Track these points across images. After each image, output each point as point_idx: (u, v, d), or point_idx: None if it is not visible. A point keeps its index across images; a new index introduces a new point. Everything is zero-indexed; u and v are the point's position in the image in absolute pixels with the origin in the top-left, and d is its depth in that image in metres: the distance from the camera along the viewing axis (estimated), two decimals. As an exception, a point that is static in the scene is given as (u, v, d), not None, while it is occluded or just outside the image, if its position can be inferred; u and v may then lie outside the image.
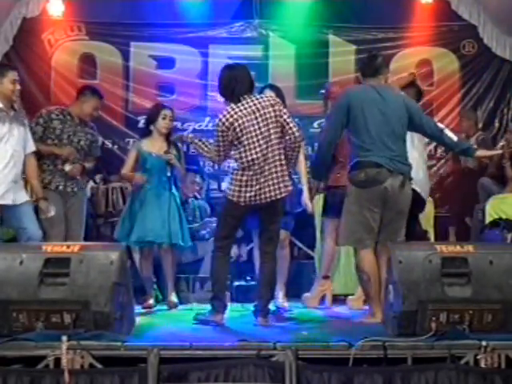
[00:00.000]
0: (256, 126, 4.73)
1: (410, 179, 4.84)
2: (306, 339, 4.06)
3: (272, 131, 4.75)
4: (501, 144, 6.90)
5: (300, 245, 6.77)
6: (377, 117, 4.75)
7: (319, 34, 8.14)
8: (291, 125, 4.78)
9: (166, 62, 8.20)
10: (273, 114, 4.76)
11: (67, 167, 5.73)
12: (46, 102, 7.88)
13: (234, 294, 6.52)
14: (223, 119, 4.74)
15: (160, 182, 5.79)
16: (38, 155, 5.59)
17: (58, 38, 8.06)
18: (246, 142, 4.72)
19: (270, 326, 4.72)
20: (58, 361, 3.59)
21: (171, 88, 8.21)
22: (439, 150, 8.00)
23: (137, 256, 6.08)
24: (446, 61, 8.13)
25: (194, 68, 8.18)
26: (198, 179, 7.04)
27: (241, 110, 4.73)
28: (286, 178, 4.84)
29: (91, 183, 7.10)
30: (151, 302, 5.79)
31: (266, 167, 4.75)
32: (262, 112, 4.75)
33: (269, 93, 5.51)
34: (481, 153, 5.25)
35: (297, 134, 4.79)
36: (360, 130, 4.77)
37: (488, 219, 6.48)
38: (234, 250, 7.05)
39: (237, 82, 4.78)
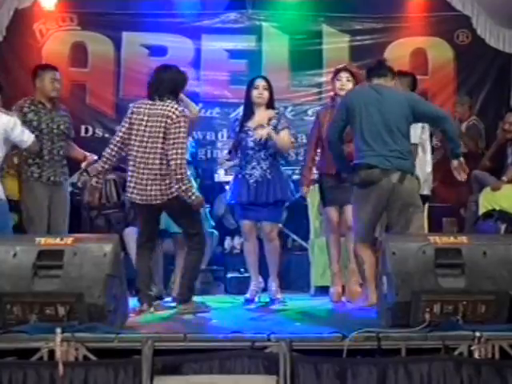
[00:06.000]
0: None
1: (411, 174, 4.86)
2: (300, 331, 4.06)
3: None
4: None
5: (294, 236, 6.75)
6: (374, 116, 4.80)
7: (312, 24, 8.11)
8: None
9: (158, 50, 8.15)
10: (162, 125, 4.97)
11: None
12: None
13: (227, 285, 6.52)
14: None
15: None
16: (20, 150, 5.49)
17: (50, 28, 8.00)
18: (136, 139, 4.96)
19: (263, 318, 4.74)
20: (52, 353, 3.59)
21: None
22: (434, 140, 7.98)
23: (132, 248, 5.65)
24: (441, 50, 8.07)
25: (187, 56, 8.13)
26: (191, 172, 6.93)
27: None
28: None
29: (84, 175, 7.05)
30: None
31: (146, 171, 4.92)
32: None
33: (260, 82, 5.65)
34: (455, 165, 4.98)
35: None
36: (356, 132, 4.88)
37: (481, 210, 6.49)
38: (228, 242, 7.03)
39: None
